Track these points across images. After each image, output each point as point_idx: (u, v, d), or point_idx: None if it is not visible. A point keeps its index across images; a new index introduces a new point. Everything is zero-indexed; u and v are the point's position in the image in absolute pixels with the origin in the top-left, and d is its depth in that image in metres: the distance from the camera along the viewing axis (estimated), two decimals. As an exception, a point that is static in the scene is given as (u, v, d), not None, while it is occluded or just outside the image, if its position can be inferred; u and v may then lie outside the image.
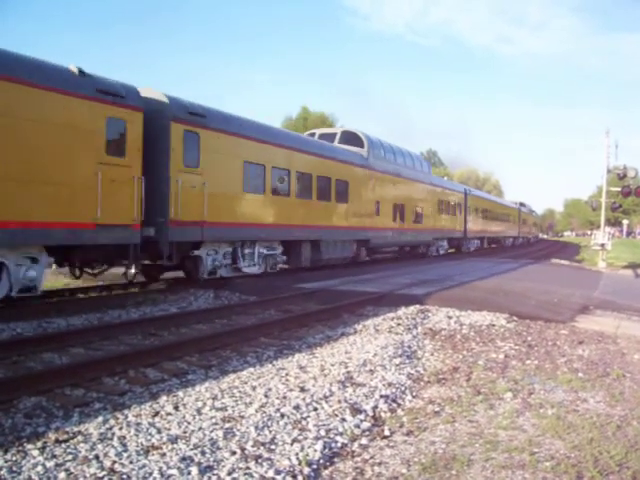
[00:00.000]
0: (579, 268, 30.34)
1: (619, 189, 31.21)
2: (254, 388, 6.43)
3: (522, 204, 68.11)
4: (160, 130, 13.82)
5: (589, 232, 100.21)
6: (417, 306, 12.43)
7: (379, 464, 4.56)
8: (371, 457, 4.71)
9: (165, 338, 9.30)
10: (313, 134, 24.99)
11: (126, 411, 5.62)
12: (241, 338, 9.05)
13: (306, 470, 4.36)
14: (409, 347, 8.68)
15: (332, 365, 7.47)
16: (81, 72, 11.75)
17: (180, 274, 16.71)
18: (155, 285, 16.00)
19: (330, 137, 24.41)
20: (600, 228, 32.89)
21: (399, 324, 10.46)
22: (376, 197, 24.94)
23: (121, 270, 14.06)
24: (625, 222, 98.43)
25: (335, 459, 4.67)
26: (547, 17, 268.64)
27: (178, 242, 14.28)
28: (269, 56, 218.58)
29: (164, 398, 6.07)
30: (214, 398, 6.06)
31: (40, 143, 10.92)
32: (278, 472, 4.28)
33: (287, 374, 7.06)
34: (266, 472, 4.27)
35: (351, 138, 24.59)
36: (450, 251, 38.50)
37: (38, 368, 7.27)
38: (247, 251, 16.99)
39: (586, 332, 10.28)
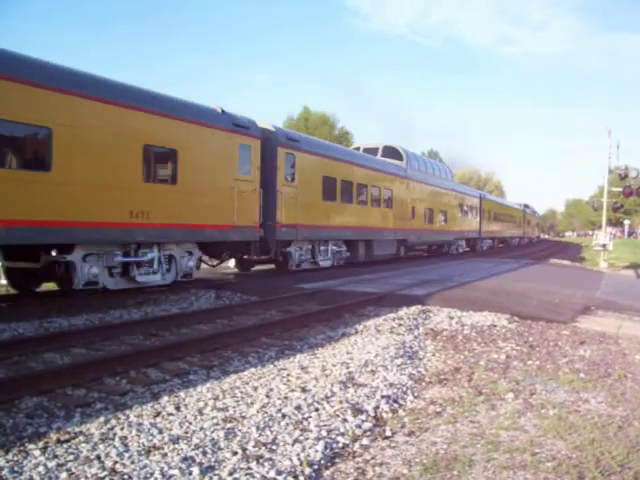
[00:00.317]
0: (580, 268, 30.34)
1: (621, 189, 31.20)
2: (255, 388, 6.43)
3: (526, 205, 70.79)
4: (270, 153, 17.69)
5: (590, 232, 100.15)
6: (418, 306, 12.43)
7: (380, 464, 4.56)
8: (372, 457, 4.71)
9: (166, 338, 9.30)
10: (358, 148, 28.68)
11: (127, 411, 5.63)
12: (242, 338, 9.05)
13: (307, 470, 4.36)
14: (410, 347, 8.68)
15: (333, 365, 7.47)
16: (223, 111, 15.77)
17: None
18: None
19: (373, 151, 28.23)
20: (601, 228, 32.87)
21: (400, 324, 10.46)
22: (412, 203, 29.22)
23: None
24: (626, 222, 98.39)
25: (336, 459, 4.67)
26: (547, 17, 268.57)
27: (279, 240, 18.21)
28: (269, 56, 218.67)
29: (165, 398, 6.08)
30: (215, 398, 6.06)
31: (207, 167, 15.00)
32: (279, 472, 4.27)
33: (288, 374, 7.06)
34: (267, 472, 4.26)
35: (391, 152, 28.72)
36: (466, 249, 41.73)
37: (39, 368, 7.27)
38: (322, 248, 21.23)
39: (587, 332, 10.28)
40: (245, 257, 18.11)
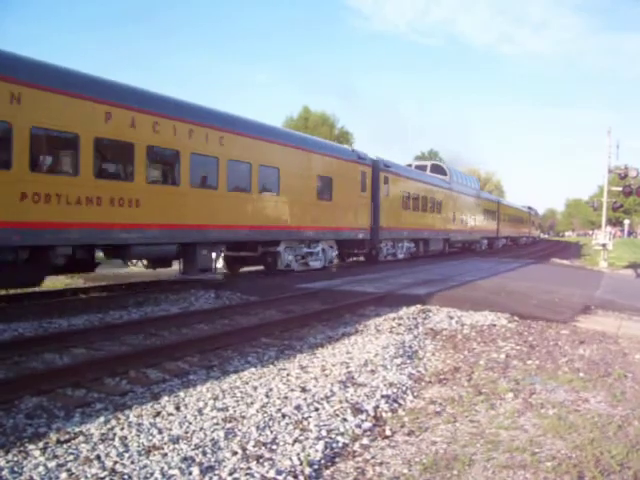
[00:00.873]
0: (580, 268, 30.32)
1: (620, 189, 31.21)
2: (255, 388, 6.43)
3: (530, 207, 75.11)
4: (375, 176, 24.88)
5: (590, 232, 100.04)
6: (418, 306, 12.43)
7: (380, 464, 4.56)
8: (372, 457, 4.71)
9: (166, 338, 9.30)
10: (410, 165, 35.74)
11: (127, 411, 5.63)
12: (242, 338, 9.05)
13: (307, 470, 4.36)
14: (410, 347, 8.68)
15: (333, 365, 7.48)
16: (352, 149, 24.21)
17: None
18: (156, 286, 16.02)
19: (423, 168, 36.39)
20: (601, 228, 32.87)
21: (400, 324, 10.46)
22: (453, 209, 36.94)
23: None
24: (626, 222, 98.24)
25: (336, 459, 4.67)
26: (548, 16, 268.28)
27: (381, 238, 25.73)
28: (269, 56, 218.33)
29: (165, 398, 6.08)
30: (215, 398, 6.06)
31: (345, 188, 22.41)
32: (279, 472, 4.28)
33: (288, 374, 7.06)
34: (267, 472, 4.27)
35: (438, 168, 37.39)
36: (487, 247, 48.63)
37: (39, 368, 7.27)
38: (399, 244, 28.48)
39: (587, 332, 10.28)
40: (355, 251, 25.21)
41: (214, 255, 16.18)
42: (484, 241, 47.21)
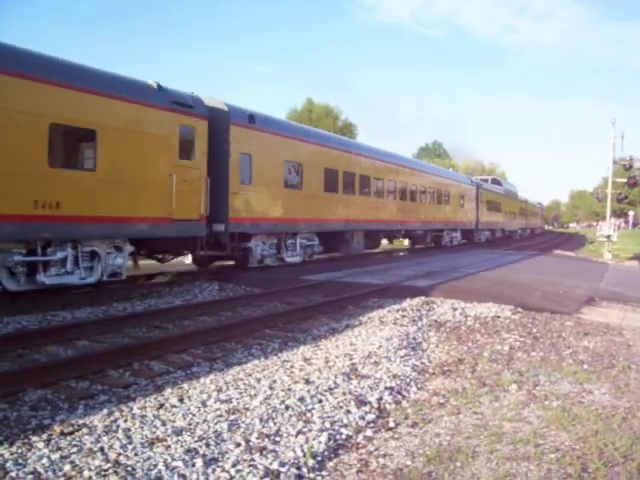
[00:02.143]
0: (585, 260, 30.26)
1: (625, 180, 31.11)
2: (259, 380, 6.43)
3: (539, 203, 78.73)
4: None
5: (595, 223, 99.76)
6: (422, 298, 12.41)
7: (384, 456, 4.56)
8: (376, 449, 4.71)
9: (170, 331, 9.31)
10: (486, 180, 49.83)
11: (131, 403, 5.64)
12: (246, 330, 9.06)
13: (311, 462, 4.36)
14: (414, 339, 8.67)
15: (337, 357, 7.47)
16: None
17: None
18: (160, 278, 16.01)
19: (485, 180, 49.12)
20: (606, 219, 32.77)
21: (404, 316, 10.45)
22: (507, 209, 51.67)
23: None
24: (631, 213, 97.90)
25: (340, 451, 4.67)
26: (552, 7, 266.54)
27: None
28: (271, 48, 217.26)
29: (169, 390, 6.08)
30: (219, 390, 6.06)
31: None
32: (283, 464, 4.28)
33: (292, 366, 7.06)
34: (271, 464, 4.27)
35: (496, 181, 53.34)
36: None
37: (43, 361, 7.29)
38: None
39: (592, 324, 10.25)
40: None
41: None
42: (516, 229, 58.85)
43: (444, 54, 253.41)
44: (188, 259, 16.70)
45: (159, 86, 13.69)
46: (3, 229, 10.29)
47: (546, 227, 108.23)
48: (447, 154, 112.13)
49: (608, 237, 30.65)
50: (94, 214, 11.85)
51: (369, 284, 14.02)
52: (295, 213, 18.80)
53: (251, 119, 16.70)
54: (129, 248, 13.23)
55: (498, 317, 10.57)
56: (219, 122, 15.55)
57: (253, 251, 17.03)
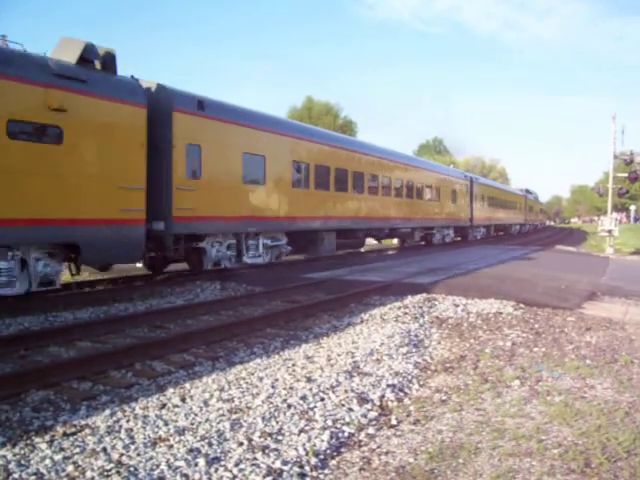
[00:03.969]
0: (586, 254, 30.24)
1: (626, 175, 31.07)
2: (261, 379, 6.43)
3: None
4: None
5: (596, 218, 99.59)
6: (424, 294, 12.40)
7: (386, 453, 4.56)
8: (378, 446, 4.71)
9: (172, 330, 9.30)
10: (528, 191, 64.54)
11: (133, 404, 5.64)
12: (248, 329, 9.06)
13: (313, 460, 4.36)
14: (416, 336, 8.67)
15: (339, 355, 7.47)
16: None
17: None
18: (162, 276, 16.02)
19: (528, 191, 65.81)
20: (607, 214, 32.74)
21: (406, 313, 10.44)
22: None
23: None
24: (632, 208, 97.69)
25: (342, 449, 4.67)
26: (553, 3, 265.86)
27: None
28: (272, 45, 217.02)
29: (171, 390, 6.08)
30: (221, 389, 6.06)
31: None
32: (285, 463, 4.28)
33: (294, 364, 7.06)
34: (273, 463, 4.27)
35: (528, 190, 66.39)
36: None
37: (45, 362, 7.28)
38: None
39: (594, 319, 10.24)
40: None
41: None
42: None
43: (443, 51, 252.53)
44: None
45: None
46: None
47: (547, 223, 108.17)
48: (447, 151, 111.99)
49: (609, 232, 30.61)
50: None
51: (370, 281, 14.00)
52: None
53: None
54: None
55: (500, 313, 10.56)
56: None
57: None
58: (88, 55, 11.84)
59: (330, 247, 21.39)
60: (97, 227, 11.74)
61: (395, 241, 33.70)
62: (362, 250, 27.81)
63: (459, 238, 38.81)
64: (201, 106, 14.75)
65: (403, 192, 27.92)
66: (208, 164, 14.94)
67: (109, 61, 12.32)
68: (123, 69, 12.35)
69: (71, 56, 11.60)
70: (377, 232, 26.79)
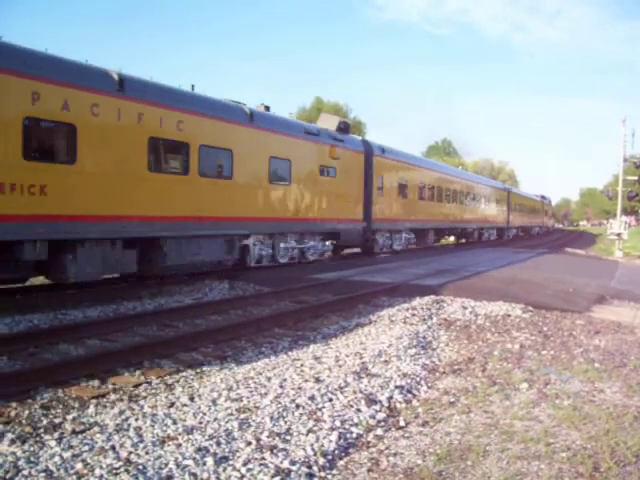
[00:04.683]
0: (595, 258, 30.10)
1: (636, 178, 30.97)
2: (269, 379, 6.44)
3: (543, 197, 77.58)
4: None
5: (605, 221, 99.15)
6: (432, 296, 12.39)
7: (394, 455, 4.55)
8: (386, 448, 4.71)
9: (180, 329, 9.34)
10: (544, 197, 70.35)
11: (142, 402, 5.66)
12: (256, 329, 9.08)
13: (321, 461, 4.37)
14: (424, 338, 8.66)
15: (347, 356, 7.47)
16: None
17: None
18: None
19: (543, 197, 71.67)
20: (616, 217, 32.59)
21: (414, 314, 10.43)
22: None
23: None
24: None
25: (350, 450, 4.67)
26: (562, 5, 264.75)
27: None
28: (276, 44, 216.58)
29: (179, 389, 6.11)
30: (229, 389, 6.07)
31: None
32: (293, 463, 4.28)
33: (302, 365, 7.06)
34: (281, 462, 4.27)
35: (543, 195, 72.23)
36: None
37: (54, 359, 7.32)
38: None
39: (603, 322, 10.20)
40: None
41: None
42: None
43: (449, 52, 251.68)
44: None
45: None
46: None
47: (556, 225, 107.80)
48: (456, 152, 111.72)
49: (619, 235, 30.48)
50: None
51: (379, 283, 14.00)
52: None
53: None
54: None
55: (508, 316, 10.53)
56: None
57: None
58: (340, 125, 21.44)
59: (430, 240, 31.36)
60: (345, 223, 21.16)
61: (451, 239, 40.70)
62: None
63: (498, 237, 47.49)
64: (382, 150, 24.20)
65: (467, 202, 37.46)
66: (386, 186, 24.41)
67: (348, 127, 22.17)
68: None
69: (332, 125, 21.42)
70: (453, 231, 37.30)
